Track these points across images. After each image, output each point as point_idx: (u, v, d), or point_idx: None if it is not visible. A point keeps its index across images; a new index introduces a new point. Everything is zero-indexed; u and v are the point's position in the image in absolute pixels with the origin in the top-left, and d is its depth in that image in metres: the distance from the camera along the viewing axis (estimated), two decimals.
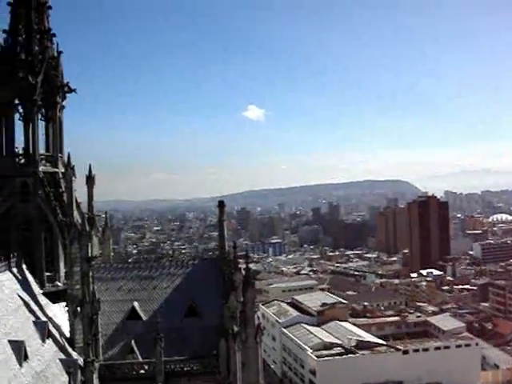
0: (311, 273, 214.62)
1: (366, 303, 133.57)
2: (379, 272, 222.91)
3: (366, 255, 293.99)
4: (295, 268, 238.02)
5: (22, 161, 43.63)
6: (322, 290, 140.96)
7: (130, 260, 46.05)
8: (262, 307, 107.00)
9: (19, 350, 29.50)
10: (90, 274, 35.85)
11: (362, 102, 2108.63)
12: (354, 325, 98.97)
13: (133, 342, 38.45)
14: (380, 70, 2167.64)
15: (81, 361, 34.33)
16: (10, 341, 29.68)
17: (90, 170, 44.60)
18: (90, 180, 44.70)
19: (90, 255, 36.39)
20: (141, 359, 37.42)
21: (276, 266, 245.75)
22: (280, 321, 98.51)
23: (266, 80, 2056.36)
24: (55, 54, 45.20)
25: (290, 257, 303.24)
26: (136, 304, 40.78)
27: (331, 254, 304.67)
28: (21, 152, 43.85)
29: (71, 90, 46.16)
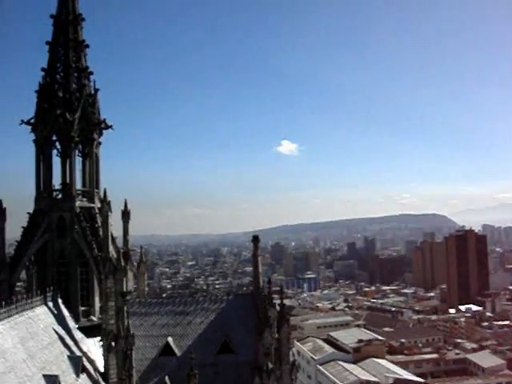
0: (347, 309, 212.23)
1: (403, 340, 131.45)
2: (416, 308, 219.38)
3: (402, 291, 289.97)
4: (330, 304, 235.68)
5: (60, 196, 44.19)
6: (358, 326, 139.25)
7: (164, 295, 46.14)
8: (297, 344, 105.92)
9: None
10: (125, 308, 35.88)
11: (397, 134, 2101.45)
12: (391, 362, 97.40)
13: (166, 377, 38.25)
14: (414, 104, 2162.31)
15: None
16: (44, 375, 29.65)
17: (125, 205, 45.09)
18: (126, 215, 45.17)
19: (124, 290, 36.48)
20: None
21: (311, 302, 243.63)
22: (315, 358, 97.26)
23: (299, 115, 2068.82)
24: (92, 92, 46.00)
25: (325, 292, 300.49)
26: (170, 339, 40.67)
27: (367, 289, 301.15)
28: (58, 187, 44.50)
29: (108, 127, 46.83)
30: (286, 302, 47.22)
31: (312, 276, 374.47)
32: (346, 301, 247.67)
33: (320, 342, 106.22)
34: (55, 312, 37.50)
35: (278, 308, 38.77)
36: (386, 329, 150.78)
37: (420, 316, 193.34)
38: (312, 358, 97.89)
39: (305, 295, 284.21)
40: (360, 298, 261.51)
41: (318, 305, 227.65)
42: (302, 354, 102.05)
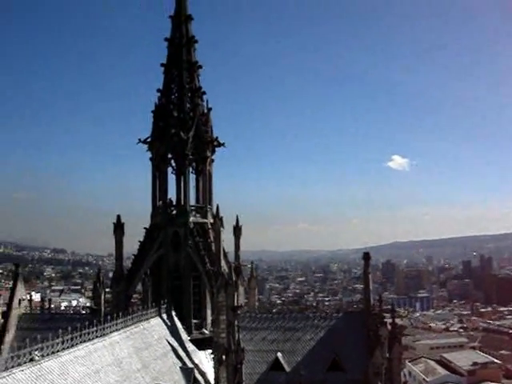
0: (461, 330, 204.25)
1: None
2: None
3: None
4: (444, 324, 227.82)
5: (174, 212, 45.57)
6: (473, 348, 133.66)
7: (274, 310, 46.31)
8: (409, 364, 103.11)
9: None
10: (236, 322, 36.31)
11: None
12: None
13: None
14: None
15: None
16: None
17: (237, 221, 45.93)
18: (238, 230, 45.99)
19: (236, 304, 36.93)
20: None
21: (423, 322, 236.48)
22: (427, 379, 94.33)
23: (410, 129, 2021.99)
24: (205, 111, 47.36)
25: (439, 312, 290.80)
26: (280, 355, 40.80)
27: (483, 310, 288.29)
28: (173, 203, 45.98)
29: (220, 145, 48.00)
30: (398, 321, 46.25)
31: (425, 295, 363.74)
32: (460, 321, 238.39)
33: (432, 364, 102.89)
34: (169, 324, 38.68)
35: (389, 327, 38.03)
36: (503, 352, 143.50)
37: None
38: (424, 379, 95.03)
39: (417, 315, 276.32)
40: (475, 318, 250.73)
41: (431, 325, 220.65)
42: (414, 375, 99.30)
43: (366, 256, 42.87)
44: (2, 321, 46.88)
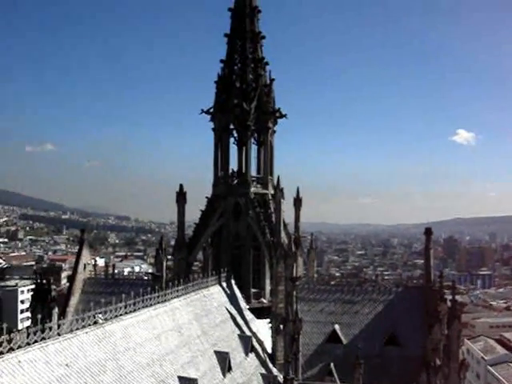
0: None
1: None
2: None
3: None
4: (505, 303, 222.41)
5: (235, 182, 45.89)
6: None
7: (332, 283, 46.32)
8: (468, 342, 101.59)
9: (224, 361, 30.79)
10: (294, 293, 36.57)
11: None
12: None
13: (332, 364, 38.62)
14: None
15: (280, 377, 35.01)
16: (216, 351, 31.17)
17: (297, 193, 45.91)
18: (298, 202, 45.98)
19: (294, 275, 37.18)
20: (339, 383, 37.43)
21: (484, 300, 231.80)
22: (486, 358, 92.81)
23: (476, 102, 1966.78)
24: (268, 82, 47.22)
25: (500, 290, 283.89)
26: (337, 327, 40.97)
27: None
28: (235, 174, 46.30)
29: (282, 116, 47.83)
30: (458, 297, 45.52)
31: (487, 273, 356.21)
32: None
33: (492, 342, 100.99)
34: (228, 292, 39.21)
35: (448, 304, 37.58)
36: None
37: None
38: (482, 358, 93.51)
39: (478, 292, 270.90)
40: None
41: (492, 303, 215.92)
42: (472, 353, 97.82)
43: (428, 231, 42.35)
44: (68, 284, 48.60)
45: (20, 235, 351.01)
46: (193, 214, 46.71)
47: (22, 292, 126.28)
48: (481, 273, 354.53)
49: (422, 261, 45.60)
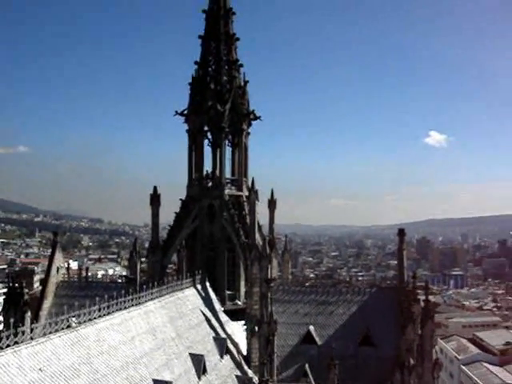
0: (495, 309, 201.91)
1: None
2: None
3: None
4: (478, 303, 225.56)
5: (210, 184, 45.77)
6: (507, 327, 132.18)
7: (307, 284, 46.52)
8: (441, 342, 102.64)
9: (199, 363, 30.76)
10: (269, 295, 36.57)
11: None
12: None
13: (307, 365, 38.71)
14: None
15: (256, 379, 35.04)
16: (191, 354, 31.13)
17: (272, 194, 46.10)
18: (272, 204, 46.15)
19: (269, 277, 37.21)
20: (314, 383, 37.55)
21: (457, 300, 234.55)
22: (459, 357, 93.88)
23: (449, 104, 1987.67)
24: (242, 84, 47.31)
25: (473, 290, 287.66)
26: (312, 328, 41.08)
27: None
28: (209, 176, 46.14)
29: (256, 118, 47.91)
30: (431, 298, 46.09)
31: (459, 273, 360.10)
32: (494, 300, 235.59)
33: (465, 342, 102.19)
34: (203, 294, 39.17)
35: (422, 304, 37.95)
36: None
37: None
38: (456, 357, 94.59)
39: (450, 292, 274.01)
40: (510, 297, 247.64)
41: (465, 303, 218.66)
42: (446, 353, 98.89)
43: (401, 232, 42.68)
44: (41, 288, 48.04)
45: None
46: (167, 216, 46.77)
47: None
48: (453, 273, 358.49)
49: (396, 262, 45.94)
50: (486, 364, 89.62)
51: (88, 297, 37.03)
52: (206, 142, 46.67)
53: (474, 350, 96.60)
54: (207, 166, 46.37)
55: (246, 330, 38.55)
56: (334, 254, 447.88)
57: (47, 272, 46.29)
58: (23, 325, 21.88)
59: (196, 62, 46.88)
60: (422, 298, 38.24)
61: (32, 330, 20.90)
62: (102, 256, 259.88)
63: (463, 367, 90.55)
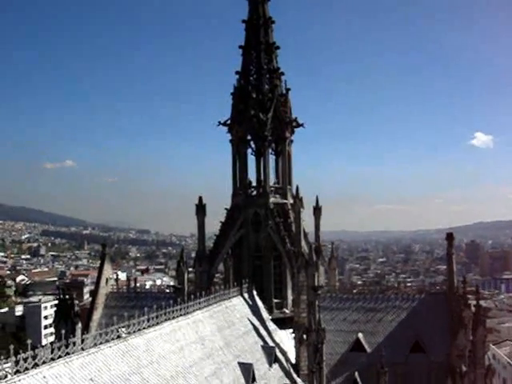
0: None
1: None
2: None
3: None
4: None
5: (254, 193, 45.95)
6: None
7: (355, 291, 46.18)
8: (493, 347, 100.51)
9: (248, 372, 30.66)
10: (317, 302, 36.41)
11: None
12: None
13: (356, 373, 38.38)
14: None
15: None
16: (239, 363, 31.08)
17: (317, 201, 46.01)
18: (317, 211, 46.04)
19: (316, 284, 37.04)
20: None
21: (509, 304, 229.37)
22: None
23: (493, 104, 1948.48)
24: (284, 92, 47.34)
25: None
26: (360, 335, 40.74)
27: None
28: (253, 184, 46.35)
29: (299, 125, 47.86)
30: (482, 303, 45.21)
31: (510, 277, 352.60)
32: None
33: None
34: (250, 303, 39.15)
35: (473, 309, 37.25)
36: None
37: None
38: (509, 363, 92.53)
39: (502, 297, 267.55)
40: None
41: None
42: (498, 359, 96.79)
43: (450, 236, 42.05)
44: (91, 299, 48.84)
45: (42, 251, 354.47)
46: (213, 225, 46.86)
47: (46, 308, 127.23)
48: (504, 277, 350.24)
49: (445, 266, 45.21)
50: None
51: (137, 307, 37.49)
52: (249, 151, 46.89)
53: None
54: (251, 175, 46.62)
55: (294, 338, 38.38)
56: (381, 260, 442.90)
57: (97, 283, 47.06)
58: (74, 336, 22.20)
59: (237, 72, 47.13)
60: (473, 303, 37.51)
61: (83, 340, 21.22)
62: (150, 267, 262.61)
63: None
